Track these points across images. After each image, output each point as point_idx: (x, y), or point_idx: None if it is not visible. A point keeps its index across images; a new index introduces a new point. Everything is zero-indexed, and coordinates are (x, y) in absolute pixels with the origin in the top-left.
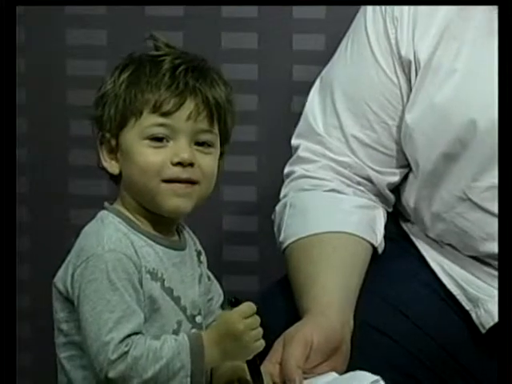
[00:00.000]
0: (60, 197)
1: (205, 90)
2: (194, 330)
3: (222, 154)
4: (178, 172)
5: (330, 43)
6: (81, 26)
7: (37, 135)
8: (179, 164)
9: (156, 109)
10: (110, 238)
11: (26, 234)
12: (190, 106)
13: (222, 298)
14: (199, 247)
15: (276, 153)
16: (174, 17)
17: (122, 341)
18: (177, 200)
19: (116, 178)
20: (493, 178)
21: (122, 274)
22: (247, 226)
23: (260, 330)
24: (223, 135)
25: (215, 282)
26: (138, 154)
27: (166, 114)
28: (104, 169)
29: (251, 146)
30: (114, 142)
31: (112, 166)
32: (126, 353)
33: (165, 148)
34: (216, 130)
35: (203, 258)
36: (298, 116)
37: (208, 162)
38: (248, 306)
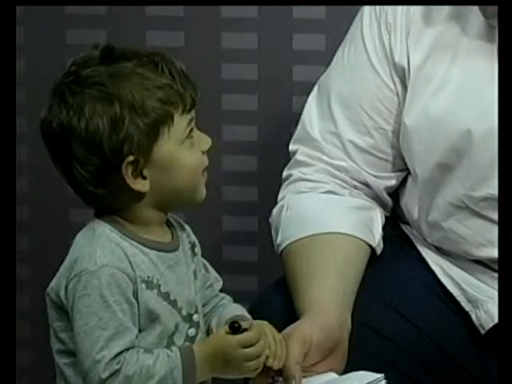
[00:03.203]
0: (60, 197)
1: (184, 71)
2: (191, 330)
3: None
4: (206, 159)
5: (330, 43)
6: (81, 26)
7: (37, 135)
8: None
9: (183, 108)
10: (102, 251)
11: (25, 234)
12: (194, 90)
13: (220, 283)
14: (193, 238)
15: (276, 153)
16: (174, 17)
17: (113, 358)
18: (204, 187)
19: (102, 200)
20: (490, 188)
21: (115, 290)
22: (247, 226)
23: (259, 360)
24: None
25: (210, 268)
26: (182, 158)
27: (190, 109)
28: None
29: (251, 146)
30: (142, 161)
31: (144, 185)
32: (118, 371)
33: (193, 139)
34: None
35: (197, 249)
36: (298, 116)
37: None
38: (249, 337)
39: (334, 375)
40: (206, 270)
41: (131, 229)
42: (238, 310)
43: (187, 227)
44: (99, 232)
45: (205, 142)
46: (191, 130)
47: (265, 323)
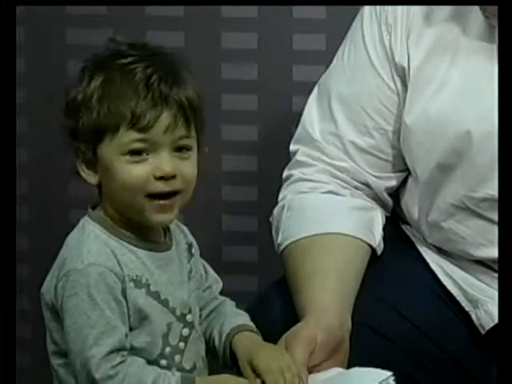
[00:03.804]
0: (60, 197)
1: (180, 97)
2: (185, 330)
3: (199, 149)
4: (161, 186)
5: (330, 43)
6: (81, 26)
7: (37, 135)
8: (162, 178)
9: (133, 124)
10: (89, 250)
11: (25, 234)
12: (167, 117)
13: (220, 285)
14: (190, 239)
15: (276, 153)
16: (174, 17)
17: (103, 358)
18: (162, 216)
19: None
20: (490, 189)
21: (102, 288)
22: (247, 226)
23: None
24: (198, 130)
25: (210, 269)
26: (119, 171)
27: (143, 129)
28: (81, 176)
29: (252, 146)
30: (90, 155)
31: (90, 177)
32: (114, 377)
33: (146, 161)
34: (193, 133)
35: (194, 250)
36: (298, 116)
37: (188, 167)
38: None
39: (339, 369)
40: (205, 271)
41: (120, 228)
42: (241, 320)
43: (184, 228)
44: (88, 232)
45: (160, 168)
46: (141, 148)
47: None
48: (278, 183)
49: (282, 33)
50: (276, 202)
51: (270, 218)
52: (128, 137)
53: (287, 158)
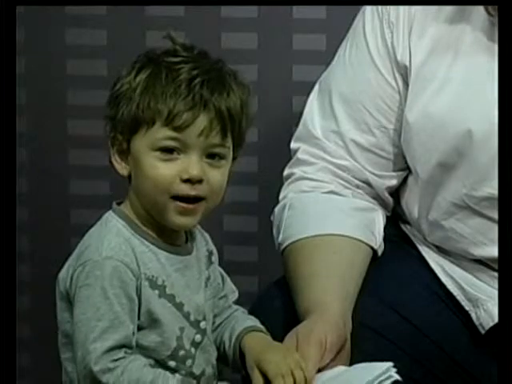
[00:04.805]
0: (60, 197)
1: (219, 104)
2: (197, 336)
3: (234, 158)
4: (186, 189)
5: (330, 43)
6: (81, 25)
7: (36, 135)
8: (188, 180)
9: (168, 122)
10: (109, 243)
11: (26, 234)
12: (203, 121)
13: (236, 295)
14: (211, 247)
15: (276, 153)
16: (174, 17)
17: (105, 352)
18: (183, 219)
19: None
20: (490, 187)
21: (116, 283)
22: (247, 226)
23: None
24: (236, 141)
25: (227, 279)
26: (147, 166)
27: (178, 129)
28: (113, 165)
29: (252, 147)
30: (125, 145)
31: (122, 168)
32: (113, 370)
33: (175, 161)
34: (229, 143)
35: (215, 258)
36: (298, 116)
37: (217, 176)
38: None
39: (342, 368)
40: (223, 280)
41: (144, 227)
42: (251, 322)
43: (206, 235)
44: (111, 226)
45: (188, 170)
46: (172, 146)
47: (280, 361)
48: (279, 183)
49: (281, 33)
50: (276, 202)
51: (271, 217)
52: (161, 133)
53: (287, 158)
